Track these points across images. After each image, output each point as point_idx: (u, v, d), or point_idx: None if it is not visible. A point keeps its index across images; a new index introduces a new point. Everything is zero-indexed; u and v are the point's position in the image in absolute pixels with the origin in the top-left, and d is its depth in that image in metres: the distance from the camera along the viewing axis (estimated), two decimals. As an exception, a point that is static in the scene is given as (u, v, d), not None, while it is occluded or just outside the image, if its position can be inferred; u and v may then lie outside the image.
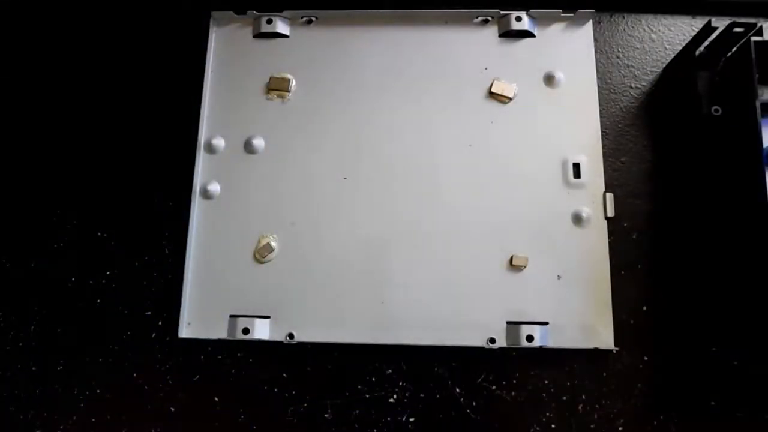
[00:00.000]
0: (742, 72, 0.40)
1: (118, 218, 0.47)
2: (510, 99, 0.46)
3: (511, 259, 0.44)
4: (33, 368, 0.45)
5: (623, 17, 0.49)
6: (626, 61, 0.48)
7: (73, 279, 0.47)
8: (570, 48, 0.47)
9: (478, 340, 0.42)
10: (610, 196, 0.44)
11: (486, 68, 0.47)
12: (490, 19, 0.48)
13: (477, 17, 0.48)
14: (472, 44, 0.48)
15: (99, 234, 0.47)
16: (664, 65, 0.48)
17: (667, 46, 0.48)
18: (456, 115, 0.47)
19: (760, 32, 0.40)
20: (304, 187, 0.46)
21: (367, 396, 0.43)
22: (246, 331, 0.43)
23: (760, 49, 0.40)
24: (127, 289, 0.46)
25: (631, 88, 0.48)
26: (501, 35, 0.48)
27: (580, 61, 0.47)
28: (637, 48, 0.48)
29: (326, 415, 0.43)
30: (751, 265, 0.41)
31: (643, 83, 0.48)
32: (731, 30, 0.41)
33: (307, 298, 0.44)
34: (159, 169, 0.48)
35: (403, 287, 0.44)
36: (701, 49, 0.45)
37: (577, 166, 0.45)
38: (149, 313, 0.46)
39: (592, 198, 0.44)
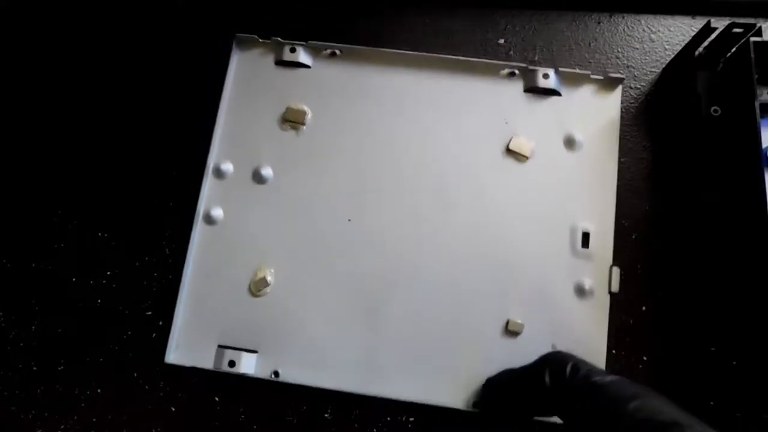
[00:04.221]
0: (742, 72, 0.40)
1: (119, 218, 0.48)
2: (527, 158, 0.45)
3: (507, 323, 0.42)
4: (33, 368, 0.45)
5: (623, 17, 0.49)
6: (626, 62, 0.48)
7: (73, 279, 0.47)
8: (595, 112, 0.46)
9: (461, 403, 0.41)
10: (616, 270, 0.43)
11: (506, 122, 0.46)
12: (516, 72, 0.47)
13: (504, 69, 0.47)
14: (496, 96, 0.46)
15: (99, 234, 0.47)
16: (664, 65, 0.48)
17: (667, 47, 0.48)
18: (470, 167, 0.45)
19: (759, 33, 0.40)
20: (307, 224, 0.45)
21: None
22: (232, 363, 0.43)
23: (760, 49, 0.40)
24: (127, 289, 0.46)
25: (631, 88, 0.48)
26: (526, 90, 0.47)
27: (604, 127, 0.45)
28: (637, 48, 0.48)
29: (326, 415, 0.43)
30: (750, 266, 0.41)
31: (643, 83, 0.48)
32: (730, 30, 0.41)
33: (296, 337, 0.43)
34: (160, 168, 0.48)
35: (395, 338, 0.43)
36: (701, 49, 0.45)
37: (586, 236, 0.43)
38: (149, 313, 0.46)
39: (598, 270, 0.43)
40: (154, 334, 0.45)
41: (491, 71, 0.47)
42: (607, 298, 0.43)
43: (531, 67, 0.46)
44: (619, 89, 0.46)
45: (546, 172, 0.45)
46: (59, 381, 0.45)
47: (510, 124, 0.46)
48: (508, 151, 0.45)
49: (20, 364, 0.45)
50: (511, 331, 0.42)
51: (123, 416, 0.44)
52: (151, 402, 0.44)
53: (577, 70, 0.46)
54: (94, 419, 0.44)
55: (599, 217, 0.44)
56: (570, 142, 0.45)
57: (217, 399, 0.44)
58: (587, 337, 0.42)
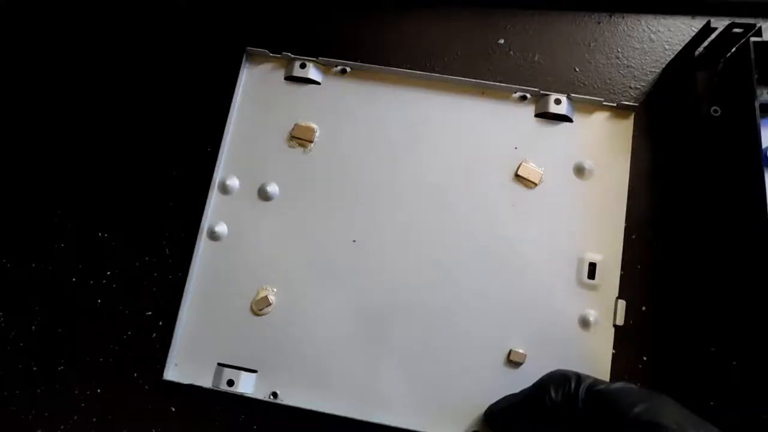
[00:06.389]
0: (741, 72, 0.40)
1: (119, 218, 0.48)
2: (536, 184, 0.45)
3: (510, 353, 0.42)
4: (33, 368, 0.45)
5: (623, 17, 0.49)
6: (626, 62, 0.48)
7: (73, 279, 0.47)
8: (606, 141, 0.45)
9: None
10: (622, 303, 0.42)
11: (516, 147, 0.45)
12: (528, 96, 0.46)
13: (516, 92, 0.46)
14: (506, 120, 0.46)
15: (100, 234, 0.47)
16: (664, 66, 0.48)
17: (667, 47, 0.48)
18: (477, 192, 0.45)
19: (759, 33, 0.40)
20: (312, 244, 0.45)
21: (367, 396, 0.43)
22: (231, 383, 0.42)
23: (759, 49, 0.40)
24: (127, 289, 0.46)
25: (631, 88, 0.48)
26: (537, 115, 0.46)
27: (615, 156, 0.45)
28: (637, 48, 0.48)
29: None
30: (750, 266, 0.41)
31: (643, 83, 0.48)
32: (730, 30, 0.41)
33: (296, 359, 0.43)
34: (161, 169, 0.48)
35: (396, 364, 0.42)
36: (700, 49, 0.45)
37: (593, 266, 0.43)
38: (149, 313, 0.46)
39: (603, 302, 0.42)
40: (154, 334, 0.45)
41: (502, 94, 0.46)
42: (612, 330, 0.42)
43: (543, 92, 0.46)
44: (631, 118, 0.45)
45: (554, 200, 0.44)
46: (59, 381, 0.45)
47: (519, 149, 0.45)
48: (517, 177, 0.45)
49: (20, 364, 0.45)
50: (513, 361, 0.42)
51: (123, 416, 0.44)
52: (151, 402, 0.44)
53: (589, 97, 0.45)
54: (94, 419, 0.44)
55: (606, 247, 0.43)
56: (580, 170, 0.45)
57: (217, 399, 0.43)
58: (590, 370, 0.40)
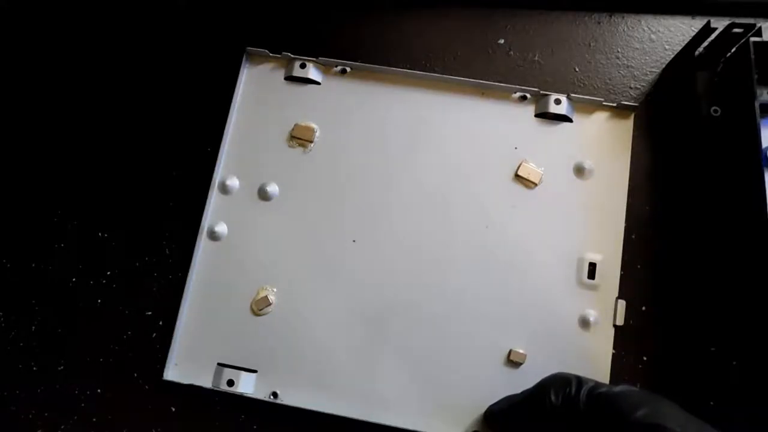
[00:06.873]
0: (741, 73, 0.40)
1: (119, 219, 0.48)
2: (536, 185, 0.45)
3: (509, 353, 0.42)
4: (33, 368, 0.45)
5: (623, 17, 0.49)
6: (626, 62, 0.48)
7: (73, 279, 0.47)
8: (606, 141, 0.45)
9: None
10: (622, 303, 0.42)
11: (516, 147, 0.45)
12: (528, 96, 0.46)
13: (516, 92, 0.46)
14: (506, 119, 0.46)
15: (99, 234, 0.47)
16: (664, 66, 0.48)
17: (667, 47, 0.48)
18: (478, 193, 0.45)
19: (759, 33, 0.40)
20: (312, 243, 0.45)
21: (367, 396, 0.43)
22: (231, 383, 0.42)
23: (759, 49, 0.40)
24: (127, 289, 0.46)
25: (631, 88, 0.48)
26: (537, 115, 0.46)
27: (614, 156, 0.45)
28: (637, 48, 0.48)
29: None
30: (750, 266, 0.41)
31: (643, 84, 0.48)
32: (730, 30, 0.41)
33: (296, 359, 0.43)
34: (161, 169, 0.48)
35: (396, 364, 0.42)
36: (700, 49, 0.45)
37: (592, 266, 0.43)
38: (149, 313, 0.46)
39: (603, 302, 0.42)
40: (154, 334, 0.45)
41: (502, 94, 0.46)
42: (612, 331, 0.42)
43: (543, 92, 0.46)
44: (631, 118, 0.45)
45: (554, 200, 0.44)
46: (59, 381, 0.45)
47: (519, 149, 0.45)
48: (517, 177, 0.45)
49: (20, 364, 0.45)
50: (513, 361, 0.42)
51: (123, 416, 0.44)
52: (151, 402, 0.44)
53: (589, 97, 0.45)
54: (94, 419, 0.44)
55: (606, 247, 0.43)
56: (580, 170, 0.45)
57: (217, 399, 0.44)
58: (590, 370, 0.40)
